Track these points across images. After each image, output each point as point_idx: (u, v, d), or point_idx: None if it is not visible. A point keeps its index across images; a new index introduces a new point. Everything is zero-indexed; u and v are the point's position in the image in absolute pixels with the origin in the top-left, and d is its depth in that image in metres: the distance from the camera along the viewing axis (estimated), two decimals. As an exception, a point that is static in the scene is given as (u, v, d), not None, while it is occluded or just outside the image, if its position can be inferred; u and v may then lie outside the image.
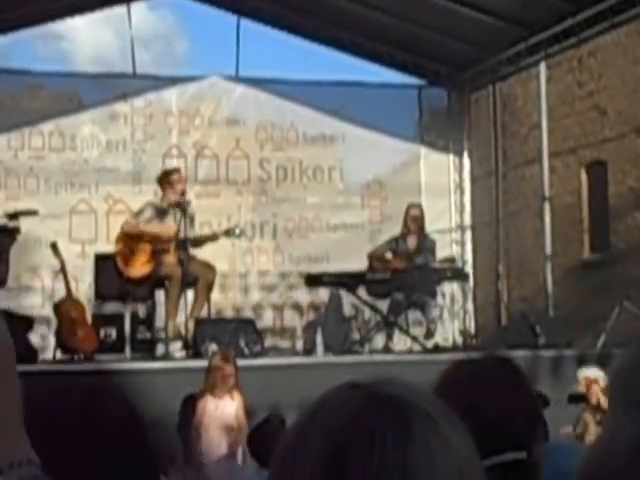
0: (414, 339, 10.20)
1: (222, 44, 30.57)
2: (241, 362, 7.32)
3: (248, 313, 11.52)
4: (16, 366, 0.86)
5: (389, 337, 10.30)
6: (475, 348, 10.93)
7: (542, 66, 12.25)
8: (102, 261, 10.06)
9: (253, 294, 11.92)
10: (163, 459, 4.39)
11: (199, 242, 9.52)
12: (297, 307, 11.99)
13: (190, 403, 6.77)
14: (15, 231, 8.86)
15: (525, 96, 14.48)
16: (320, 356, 9.45)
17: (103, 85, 11.83)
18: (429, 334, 10.35)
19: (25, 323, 8.76)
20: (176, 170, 10.10)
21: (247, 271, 11.91)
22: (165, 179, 9.63)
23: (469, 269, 12.29)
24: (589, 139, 13.89)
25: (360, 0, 11.12)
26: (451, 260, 11.05)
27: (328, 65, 19.77)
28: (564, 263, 13.52)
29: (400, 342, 10.42)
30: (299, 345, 11.56)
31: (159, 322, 9.80)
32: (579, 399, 7.52)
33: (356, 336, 10.69)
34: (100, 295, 10.16)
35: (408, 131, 12.74)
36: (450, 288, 11.62)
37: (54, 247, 9.62)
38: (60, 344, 9.29)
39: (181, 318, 9.41)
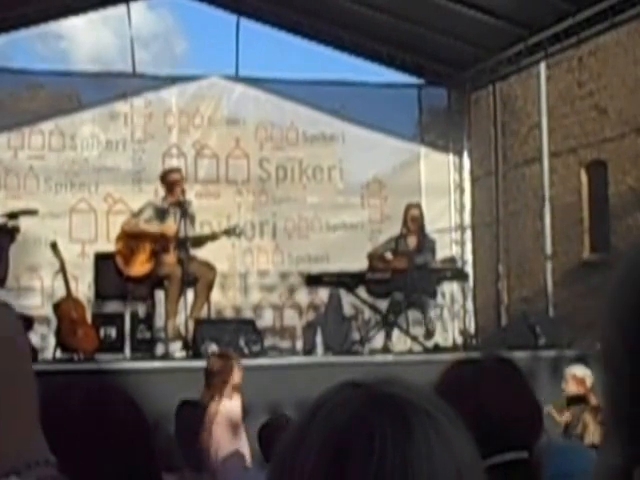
0: (414, 339, 10.20)
1: (222, 44, 30.63)
2: (241, 362, 7.31)
3: (248, 313, 11.53)
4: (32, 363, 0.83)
5: (389, 337, 10.29)
6: (475, 348, 10.92)
7: (542, 66, 12.25)
8: (102, 261, 10.05)
9: (253, 294, 11.92)
10: (162, 459, 4.38)
11: (199, 242, 9.52)
12: (297, 307, 11.99)
13: (186, 408, 6.73)
14: (15, 231, 8.86)
15: (525, 96, 14.48)
16: (320, 356, 9.45)
17: (103, 85, 11.83)
18: (429, 334, 10.35)
19: (25, 323, 8.75)
20: (177, 170, 10.10)
21: (247, 271, 11.91)
22: (166, 179, 9.64)
23: (469, 269, 12.29)
24: (589, 139, 13.90)
25: (360, 0, 11.12)
26: (451, 260, 11.05)
27: (328, 65, 19.77)
28: (564, 263, 13.53)
29: (400, 342, 10.42)
30: (299, 345, 11.55)
31: (159, 322, 9.81)
32: (579, 399, 7.53)
33: (356, 336, 10.68)
34: (100, 295, 10.16)
35: (408, 131, 12.74)
36: (450, 288, 11.62)
37: (54, 247, 9.62)
38: (60, 344, 9.28)
39: (181, 318, 9.40)
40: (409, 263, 10.23)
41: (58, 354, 9.33)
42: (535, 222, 13.25)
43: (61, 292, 9.70)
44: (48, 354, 9.61)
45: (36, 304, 10.83)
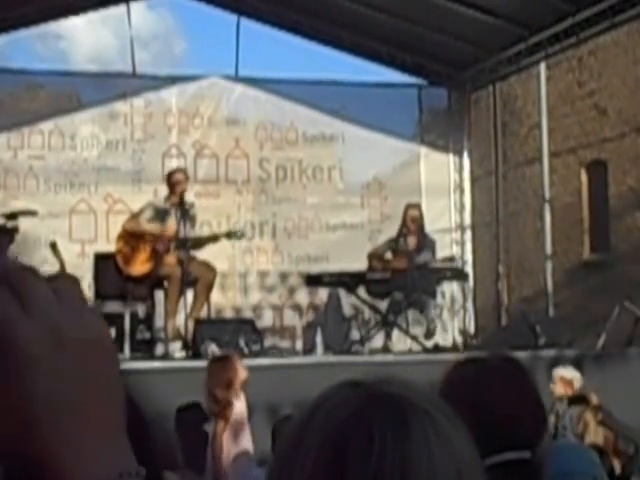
0: (414, 339, 10.19)
1: (222, 44, 30.64)
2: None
3: (248, 313, 11.53)
4: (119, 363, 0.80)
5: (389, 337, 10.29)
6: (475, 348, 10.92)
7: (542, 66, 12.25)
8: (102, 261, 10.05)
9: (253, 294, 11.92)
10: (162, 459, 4.38)
11: (199, 243, 9.51)
12: (297, 307, 11.99)
13: (184, 413, 6.69)
14: (14, 231, 8.85)
15: (525, 96, 14.47)
16: (320, 356, 9.45)
17: (102, 85, 11.83)
18: (429, 334, 10.34)
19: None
20: (182, 170, 10.07)
21: (247, 271, 11.91)
22: (170, 179, 9.63)
23: (469, 269, 12.29)
24: (589, 139, 13.89)
25: (360, 0, 11.12)
26: (451, 260, 11.05)
27: (328, 65, 19.79)
28: (564, 263, 13.52)
29: (400, 342, 10.41)
30: (299, 345, 11.55)
31: (159, 322, 9.80)
32: (579, 400, 7.53)
33: (356, 336, 10.68)
34: (100, 295, 10.14)
35: (408, 131, 12.75)
36: (450, 288, 11.62)
37: (54, 247, 9.61)
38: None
39: (181, 318, 9.39)
40: (409, 263, 10.23)
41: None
42: (535, 222, 13.25)
43: (61, 292, 9.68)
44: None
45: (36, 304, 10.81)
